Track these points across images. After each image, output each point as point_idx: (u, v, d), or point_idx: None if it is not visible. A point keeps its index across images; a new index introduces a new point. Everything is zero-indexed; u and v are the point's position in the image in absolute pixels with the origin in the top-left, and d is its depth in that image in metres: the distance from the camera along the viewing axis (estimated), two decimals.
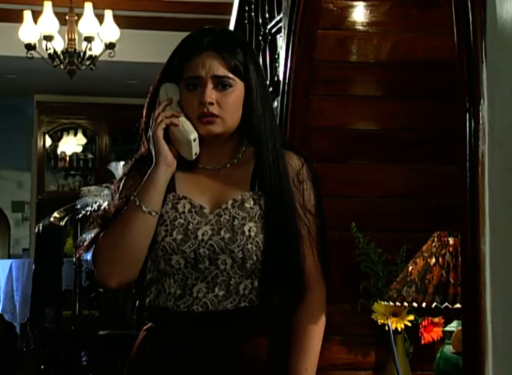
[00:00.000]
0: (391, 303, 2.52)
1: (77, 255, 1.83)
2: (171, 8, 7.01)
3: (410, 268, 2.51)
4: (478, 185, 1.78)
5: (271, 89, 3.35)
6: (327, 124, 3.00)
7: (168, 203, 1.76)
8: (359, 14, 2.94)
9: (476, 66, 1.79)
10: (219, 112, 1.73)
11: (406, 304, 2.47)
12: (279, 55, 3.44)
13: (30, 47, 5.85)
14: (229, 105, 1.74)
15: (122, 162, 4.44)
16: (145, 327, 1.84)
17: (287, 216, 1.75)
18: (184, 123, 1.75)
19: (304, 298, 1.80)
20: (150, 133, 1.76)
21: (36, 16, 5.91)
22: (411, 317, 2.83)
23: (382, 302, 2.63)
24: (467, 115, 1.81)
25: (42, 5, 5.91)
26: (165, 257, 1.74)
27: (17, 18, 6.13)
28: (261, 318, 1.76)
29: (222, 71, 1.73)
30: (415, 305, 2.43)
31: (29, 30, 5.88)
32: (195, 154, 1.77)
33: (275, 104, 3.28)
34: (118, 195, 1.80)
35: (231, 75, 1.74)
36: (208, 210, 1.76)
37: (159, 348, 1.78)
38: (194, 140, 1.75)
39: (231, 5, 4.19)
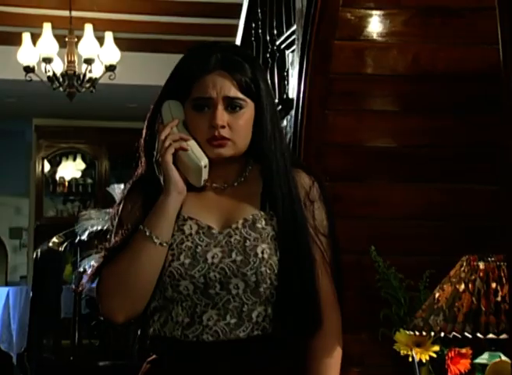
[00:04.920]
0: (417, 333, 2.37)
1: (80, 289, 1.71)
2: (171, 31, 7.05)
3: (437, 295, 2.37)
4: None
5: (280, 107, 3.28)
6: (343, 140, 2.92)
7: None
8: (378, 24, 2.87)
9: None
10: (230, 135, 1.66)
11: (433, 333, 2.32)
12: (287, 72, 3.43)
13: (28, 69, 5.86)
14: (240, 127, 1.67)
15: (122, 185, 4.40)
16: (149, 359, 1.73)
17: (301, 238, 1.68)
18: (193, 147, 1.67)
19: (321, 325, 1.70)
20: (157, 157, 1.68)
21: (35, 38, 5.92)
22: (437, 348, 2.68)
23: (405, 331, 2.49)
24: None
25: (41, 27, 5.90)
26: (173, 283, 1.65)
27: (16, 40, 6.14)
28: (275, 347, 1.67)
29: (233, 92, 1.66)
30: (443, 334, 2.28)
31: (28, 53, 5.90)
32: (204, 180, 1.68)
33: (285, 122, 3.22)
34: (118, 220, 1.73)
35: (242, 96, 1.67)
36: (217, 230, 1.68)
37: None
38: (205, 166, 1.66)
39: (234, 26, 4.18)
